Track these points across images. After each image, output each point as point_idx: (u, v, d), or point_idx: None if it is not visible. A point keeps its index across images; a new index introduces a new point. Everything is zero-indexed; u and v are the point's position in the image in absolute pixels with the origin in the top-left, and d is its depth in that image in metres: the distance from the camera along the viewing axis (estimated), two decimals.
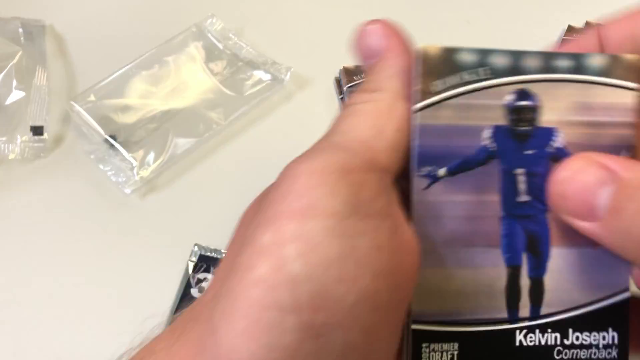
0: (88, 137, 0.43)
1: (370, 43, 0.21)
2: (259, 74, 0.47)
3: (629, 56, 0.21)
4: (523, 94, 0.21)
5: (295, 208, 0.17)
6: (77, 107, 0.44)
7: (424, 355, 0.21)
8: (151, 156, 0.42)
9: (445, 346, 0.21)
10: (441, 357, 0.21)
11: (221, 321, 0.17)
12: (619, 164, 0.19)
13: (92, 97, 0.44)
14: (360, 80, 0.44)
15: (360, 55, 0.22)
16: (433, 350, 0.21)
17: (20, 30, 0.47)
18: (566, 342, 0.22)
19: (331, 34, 0.54)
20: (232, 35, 0.49)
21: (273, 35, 0.51)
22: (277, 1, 0.53)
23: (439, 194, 0.21)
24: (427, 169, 0.21)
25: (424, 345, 0.21)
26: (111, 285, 0.37)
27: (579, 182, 0.19)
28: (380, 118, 0.20)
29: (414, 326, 0.21)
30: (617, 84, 0.21)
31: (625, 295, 0.21)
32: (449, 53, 0.21)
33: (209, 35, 0.49)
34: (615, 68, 0.21)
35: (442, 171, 0.21)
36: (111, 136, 0.42)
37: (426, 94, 0.21)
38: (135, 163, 0.41)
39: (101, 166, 0.42)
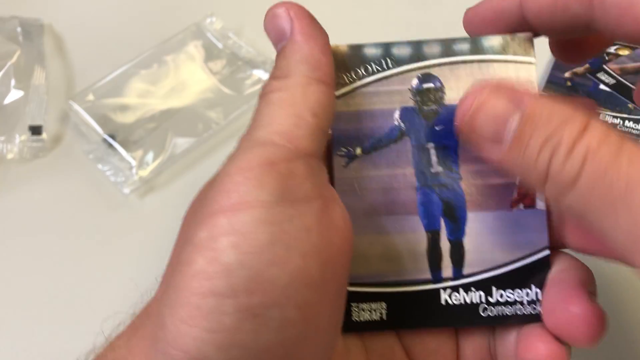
0: (87, 136, 0.43)
1: (278, 25, 0.22)
2: (258, 73, 0.47)
3: (522, 34, 0.23)
4: (426, 77, 0.23)
5: (226, 205, 0.19)
6: (76, 107, 0.43)
7: (354, 314, 0.23)
8: (150, 156, 0.42)
9: (373, 305, 0.23)
10: (370, 316, 0.23)
11: (167, 313, 0.19)
12: (527, 94, 0.20)
13: (90, 97, 0.44)
14: None
15: (270, 38, 0.23)
16: (362, 309, 0.23)
17: (19, 29, 0.47)
18: (490, 299, 0.23)
19: (330, 33, 0.54)
20: (231, 34, 0.49)
21: None
22: (277, 0, 0.53)
23: (357, 170, 0.23)
24: (344, 150, 0.23)
25: (353, 304, 0.23)
26: (110, 285, 0.37)
27: (488, 110, 0.20)
28: (296, 106, 0.20)
29: None
30: (514, 60, 0.23)
31: (545, 253, 0.23)
32: (356, 49, 0.23)
33: (209, 34, 0.49)
34: (511, 46, 0.23)
35: (358, 150, 0.23)
36: (110, 136, 0.42)
37: (338, 85, 0.23)
38: (134, 163, 0.41)
39: (100, 166, 0.41)
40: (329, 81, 0.21)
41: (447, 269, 0.23)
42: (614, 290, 0.36)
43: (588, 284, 0.22)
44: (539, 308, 0.23)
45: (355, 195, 0.23)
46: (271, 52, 0.48)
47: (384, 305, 0.23)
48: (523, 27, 0.23)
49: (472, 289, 0.23)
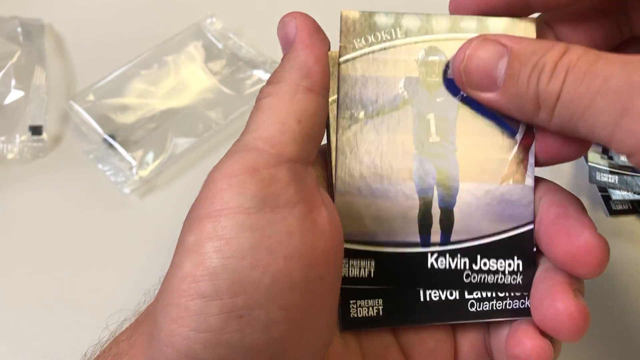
0: (87, 136, 0.43)
1: (284, 33, 0.24)
2: (258, 74, 0.47)
3: (528, 18, 0.24)
4: (432, 51, 0.24)
5: (211, 210, 0.20)
6: (76, 107, 0.44)
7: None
8: (150, 156, 0.42)
9: (362, 263, 0.24)
10: (359, 272, 0.24)
11: (160, 312, 0.20)
12: (510, 39, 0.22)
13: (91, 97, 0.44)
14: None
15: (280, 44, 0.24)
16: (352, 265, 0.24)
17: (19, 29, 0.47)
18: (474, 267, 0.24)
19: (330, 33, 0.54)
20: (231, 34, 0.49)
21: (272, 34, 0.50)
22: (277, 0, 0.53)
23: (358, 133, 0.24)
24: (348, 112, 0.24)
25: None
26: (110, 285, 0.37)
27: (480, 57, 0.22)
28: (282, 112, 0.22)
29: None
30: None
31: (529, 227, 0.24)
32: (367, 16, 0.24)
33: (209, 34, 0.49)
34: (516, 29, 0.24)
35: (361, 114, 0.24)
36: (110, 136, 0.42)
37: (347, 49, 0.24)
38: (134, 163, 0.41)
39: (100, 166, 0.42)
40: (318, 90, 0.22)
41: (435, 235, 0.24)
42: (611, 289, 0.36)
43: (574, 282, 0.22)
44: (519, 278, 0.24)
45: (354, 157, 0.24)
46: (271, 53, 0.49)
47: (372, 263, 0.24)
48: (519, 6, 0.24)
49: (458, 255, 0.24)
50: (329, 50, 0.24)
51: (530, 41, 0.22)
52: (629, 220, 0.39)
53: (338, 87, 0.24)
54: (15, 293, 0.37)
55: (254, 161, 0.20)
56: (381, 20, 0.24)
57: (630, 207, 0.39)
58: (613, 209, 0.39)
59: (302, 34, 0.23)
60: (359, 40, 0.24)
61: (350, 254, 0.24)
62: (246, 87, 0.46)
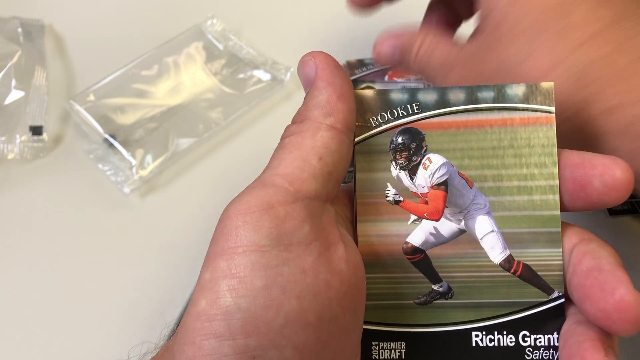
0: (87, 136, 0.43)
1: (305, 72, 0.24)
2: (258, 74, 0.47)
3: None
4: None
5: (225, 247, 0.20)
6: (77, 107, 0.44)
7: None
8: (150, 156, 0.42)
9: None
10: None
11: (177, 350, 0.20)
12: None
13: (91, 97, 0.44)
14: (362, 74, 0.45)
15: (302, 84, 0.25)
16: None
17: (20, 29, 0.47)
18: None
19: (331, 34, 0.54)
20: (232, 36, 0.49)
21: (273, 35, 0.51)
22: (277, 1, 0.53)
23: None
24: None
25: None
26: (110, 285, 0.37)
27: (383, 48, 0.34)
28: (303, 149, 0.22)
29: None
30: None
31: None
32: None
33: (209, 35, 0.49)
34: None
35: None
36: (110, 136, 0.42)
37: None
38: (134, 162, 0.41)
39: (100, 166, 0.42)
40: (341, 128, 0.22)
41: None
42: None
43: (606, 339, 0.21)
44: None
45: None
46: (271, 53, 0.49)
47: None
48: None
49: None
50: (353, 87, 0.24)
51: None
52: (629, 220, 0.39)
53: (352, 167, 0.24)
54: (15, 293, 0.37)
55: (269, 198, 0.20)
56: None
57: (630, 207, 0.39)
58: (613, 208, 0.39)
59: (322, 72, 0.23)
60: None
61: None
62: (246, 88, 0.46)
